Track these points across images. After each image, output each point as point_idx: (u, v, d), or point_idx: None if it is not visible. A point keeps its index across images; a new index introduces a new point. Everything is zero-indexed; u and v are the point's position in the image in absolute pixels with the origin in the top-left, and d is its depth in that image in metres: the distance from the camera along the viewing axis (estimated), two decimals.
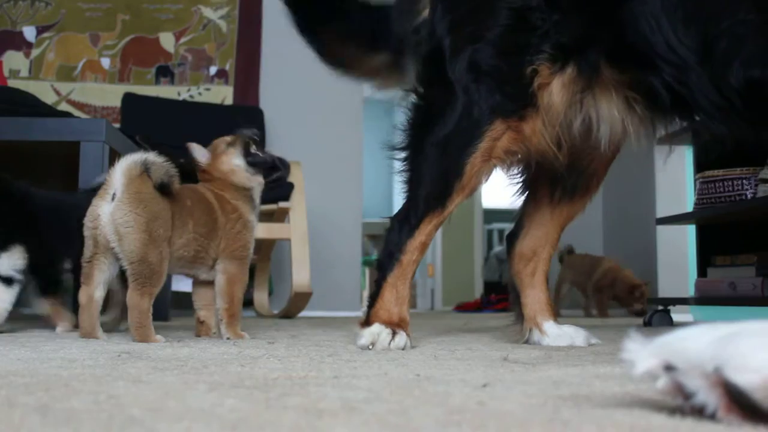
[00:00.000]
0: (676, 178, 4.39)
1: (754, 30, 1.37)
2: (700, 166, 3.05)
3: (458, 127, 1.58)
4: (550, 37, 1.54)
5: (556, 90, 1.55)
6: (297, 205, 3.71)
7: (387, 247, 1.63)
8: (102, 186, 1.68)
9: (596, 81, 1.54)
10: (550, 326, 1.76)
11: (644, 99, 1.53)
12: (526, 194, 1.86)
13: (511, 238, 1.87)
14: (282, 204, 3.65)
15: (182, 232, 1.70)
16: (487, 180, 1.63)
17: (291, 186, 3.71)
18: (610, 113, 1.56)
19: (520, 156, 1.64)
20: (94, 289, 1.67)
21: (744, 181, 2.71)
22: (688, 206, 3.50)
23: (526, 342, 1.76)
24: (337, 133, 4.80)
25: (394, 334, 1.53)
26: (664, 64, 1.45)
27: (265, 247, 4.01)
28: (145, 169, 1.63)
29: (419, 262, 1.64)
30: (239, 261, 1.79)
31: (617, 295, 4.20)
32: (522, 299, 1.81)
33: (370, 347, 1.50)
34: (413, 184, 1.64)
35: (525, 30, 1.55)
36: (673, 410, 0.66)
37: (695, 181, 2.96)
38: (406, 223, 1.61)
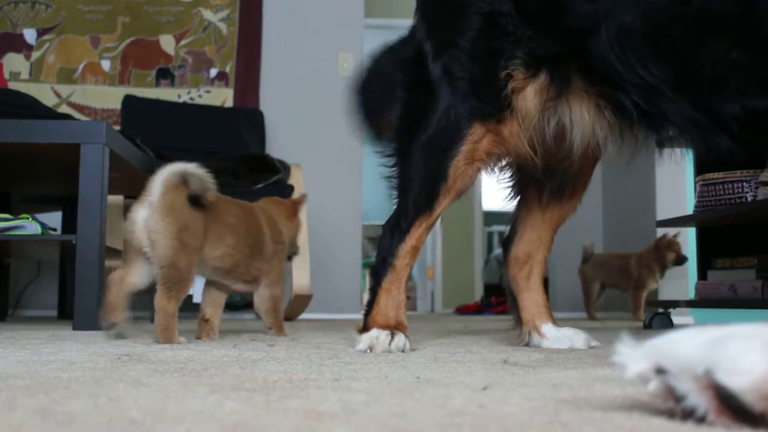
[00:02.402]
0: (676, 180, 4.39)
1: (744, 66, 1.39)
2: (700, 168, 3.04)
3: (440, 129, 1.60)
4: (523, 44, 1.56)
5: (530, 96, 1.57)
6: None
7: (380, 253, 1.64)
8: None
9: (567, 89, 1.57)
10: (548, 329, 1.77)
11: (613, 109, 1.55)
12: (517, 198, 1.88)
13: (507, 243, 1.89)
14: None
15: (218, 245, 1.78)
16: (473, 182, 1.65)
17: (291, 188, 3.71)
18: (581, 117, 1.59)
19: (502, 158, 1.68)
20: (129, 273, 1.71)
21: (744, 183, 2.71)
22: (688, 209, 3.50)
23: (526, 345, 1.77)
24: (337, 135, 4.79)
25: (392, 335, 1.54)
26: (633, 88, 1.48)
27: None
28: (183, 180, 1.69)
29: (412, 265, 1.65)
30: (280, 282, 2.00)
31: (660, 265, 4.10)
32: (519, 303, 1.82)
33: (369, 351, 1.50)
34: (402, 190, 1.66)
35: (497, 35, 1.57)
36: (673, 413, 0.66)
37: (695, 183, 2.96)
38: (397, 228, 1.63)
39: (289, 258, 2.13)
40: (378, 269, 1.64)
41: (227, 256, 1.79)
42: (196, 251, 1.71)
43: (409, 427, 0.62)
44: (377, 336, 1.53)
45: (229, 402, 0.76)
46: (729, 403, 0.58)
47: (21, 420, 0.64)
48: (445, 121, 1.59)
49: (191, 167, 1.72)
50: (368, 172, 5.02)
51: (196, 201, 1.70)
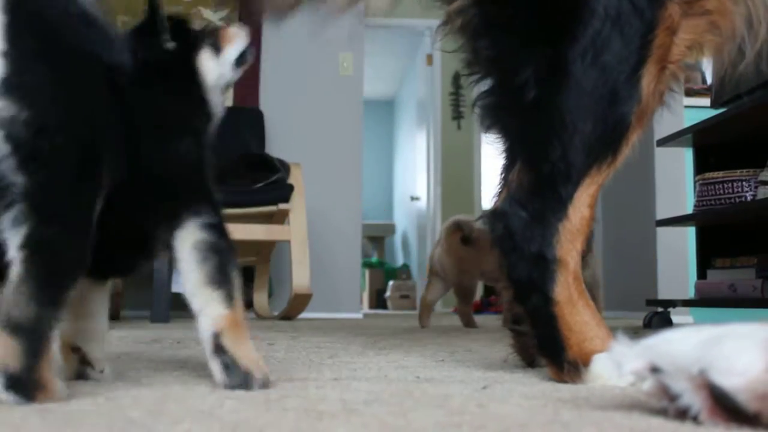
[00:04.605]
0: (675, 179, 4.38)
1: None
2: (700, 167, 3.05)
3: (608, 25, 1.01)
4: None
5: None
6: (297, 206, 3.71)
7: (517, 255, 1.03)
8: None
9: None
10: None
11: None
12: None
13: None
14: (282, 205, 3.65)
15: (488, 264, 2.50)
16: (663, 103, 1.09)
17: (291, 188, 3.71)
18: None
19: (702, 56, 1.14)
20: (429, 292, 2.82)
21: (744, 183, 2.71)
22: (688, 208, 3.50)
23: None
24: (336, 134, 4.80)
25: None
26: None
27: (264, 248, 4.01)
28: (458, 227, 2.65)
29: (581, 251, 1.06)
30: None
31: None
32: None
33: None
34: (549, 137, 1.03)
35: None
36: (667, 412, 0.66)
37: (695, 182, 2.96)
38: (545, 202, 1.03)
39: None
40: (524, 280, 1.03)
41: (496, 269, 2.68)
42: (472, 273, 2.70)
43: (408, 427, 0.62)
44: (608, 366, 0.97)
45: (229, 401, 0.76)
46: (723, 402, 0.58)
47: (21, 419, 0.64)
48: (615, 8, 1.00)
49: (463, 218, 2.70)
50: (368, 171, 5.02)
51: (465, 241, 2.64)
